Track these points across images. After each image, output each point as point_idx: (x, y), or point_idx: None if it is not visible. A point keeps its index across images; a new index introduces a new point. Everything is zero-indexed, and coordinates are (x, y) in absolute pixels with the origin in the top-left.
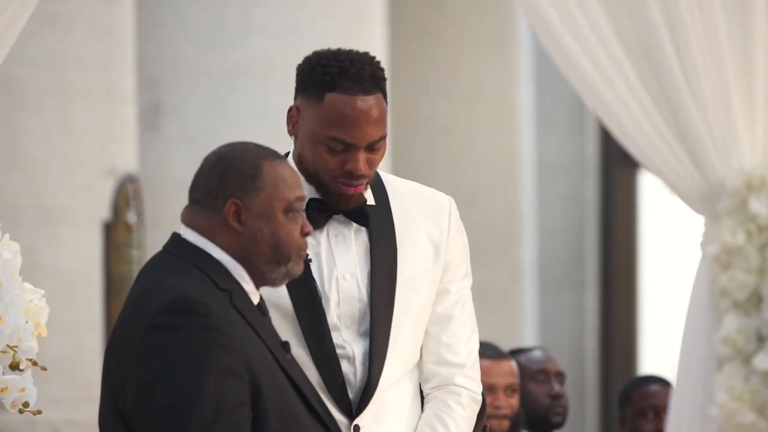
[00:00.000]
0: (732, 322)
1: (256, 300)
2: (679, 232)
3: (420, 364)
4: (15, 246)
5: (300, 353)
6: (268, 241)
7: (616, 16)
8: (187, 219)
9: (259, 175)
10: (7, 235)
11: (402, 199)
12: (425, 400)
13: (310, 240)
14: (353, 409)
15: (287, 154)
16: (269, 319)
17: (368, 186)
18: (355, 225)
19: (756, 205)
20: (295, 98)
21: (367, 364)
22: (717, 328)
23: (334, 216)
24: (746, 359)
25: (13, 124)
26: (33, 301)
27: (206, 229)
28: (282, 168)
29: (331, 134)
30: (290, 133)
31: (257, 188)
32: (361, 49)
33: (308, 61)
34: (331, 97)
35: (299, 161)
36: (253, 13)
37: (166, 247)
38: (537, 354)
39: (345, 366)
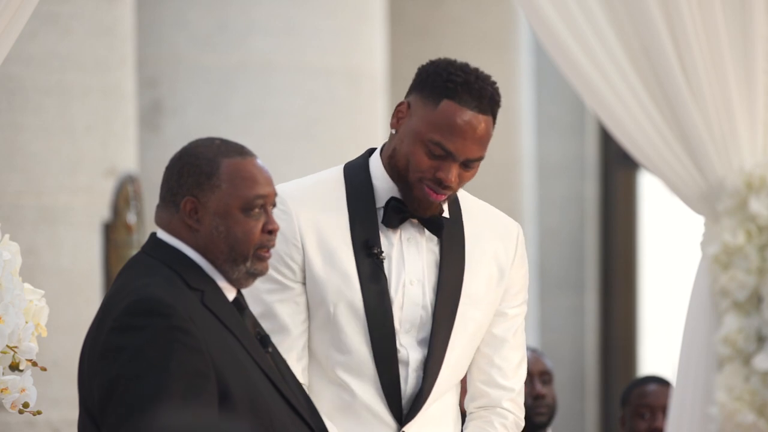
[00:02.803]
0: (732, 322)
1: (231, 296)
2: (679, 232)
3: (468, 381)
4: (15, 246)
5: (362, 350)
6: (224, 239)
7: (616, 16)
8: (156, 218)
9: (216, 172)
10: (7, 235)
11: (474, 218)
12: (469, 417)
13: (384, 239)
14: (403, 415)
15: (372, 150)
16: (249, 314)
17: (447, 200)
18: (428, 233)
19: (756, 205)
20: (408, 95)
21: (420, 372)
22: (717, 328)
23: (410, 219)
24: (746, 359)
25: (13, 124)
26: (33, 301)
27: (170, 227)
28: (243, 165)
29: (436, 138)
30: (392, 126)
31: (213, 185)
32: (361, 49)
33: (434, 63)
34: (447, 104)
35: (391, 155)
36: (253, 13)
37: (143, 248)
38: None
39: (399, 370)
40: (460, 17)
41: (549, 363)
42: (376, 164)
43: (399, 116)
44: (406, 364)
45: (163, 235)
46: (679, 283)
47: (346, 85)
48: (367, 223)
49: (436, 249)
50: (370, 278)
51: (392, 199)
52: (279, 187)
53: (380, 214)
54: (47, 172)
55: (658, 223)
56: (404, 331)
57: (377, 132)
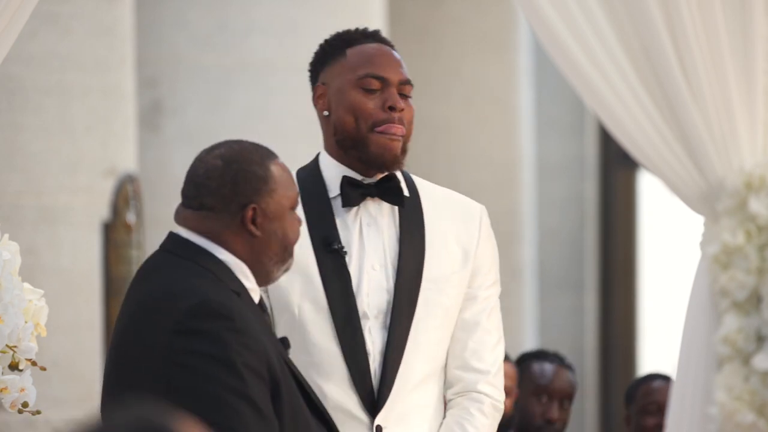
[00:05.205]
0: (732, 322)
1: (257, 298)
2: (679, 232)
3: (446, 370)
4: (15, 246)
5: (330, 347)
6: (280, 242)
7: (616, 16)
8: (193, 224)
9: (270, 176)
10: (6, 235)
11: (434, 202)
12: (447, 406)
13: (343, 230)
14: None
15: (318, 156)
16: (269, 316)
17: (402, 145)
18: (387, 209)
19: (756, 205)
20: (315, 81)
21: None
22: (717, 328)
23: (369, 198)
24: (746, 359)
25: (13, 123)
26: (33, 301)
27: (216, 234)
28: (282, 166)
29: (363, 72)
30: (321, 110)
31: (270, 190)
32: None
33: (320, 46)
34: (352, 49)
35: (335, 132)
36: (253, 13)
37: (166, 248)
38: (547, 369)
39: (369, 361)
40: (460, 17)
41: (573, 379)
42: (323, 157)
43: (320, 99)
44: (373, 354)
45: (189, 235)
46: (679, 283)
47: None
48: (323, 220)
49: (397, 228)
50: (332, 273)
51: (344, 178)
52: None
53: (337, 202)
54: (47, 172)
55: (657, 223)
56: (373, 317)
57: None
